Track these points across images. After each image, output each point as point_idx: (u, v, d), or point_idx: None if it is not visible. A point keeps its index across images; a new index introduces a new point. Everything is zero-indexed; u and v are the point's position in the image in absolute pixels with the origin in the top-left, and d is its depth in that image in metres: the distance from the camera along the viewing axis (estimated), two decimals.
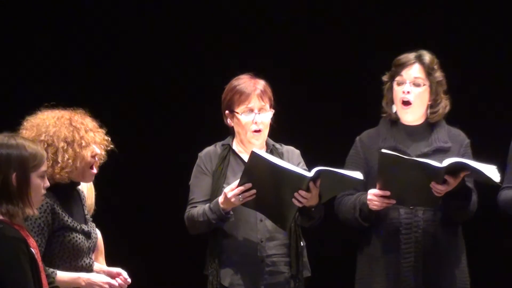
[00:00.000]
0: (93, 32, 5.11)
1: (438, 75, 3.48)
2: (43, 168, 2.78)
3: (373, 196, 3.26)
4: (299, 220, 3.29)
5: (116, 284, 3.07)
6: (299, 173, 3.15)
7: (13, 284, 2.90)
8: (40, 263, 2.86)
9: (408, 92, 3.41)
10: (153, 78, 4.88)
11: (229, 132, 3.43)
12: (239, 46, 4.81)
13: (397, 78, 3.44)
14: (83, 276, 3.05)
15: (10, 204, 2.77)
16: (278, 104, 3.44)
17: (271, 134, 3.44)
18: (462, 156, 3.44)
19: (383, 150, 3.28)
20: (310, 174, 3.12)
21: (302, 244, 3.34)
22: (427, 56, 3.52)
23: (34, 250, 2.85)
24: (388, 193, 3.27)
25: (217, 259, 3.33)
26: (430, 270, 3.43)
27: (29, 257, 2.83)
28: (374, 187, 3.30)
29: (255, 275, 3.33)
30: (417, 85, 3.44)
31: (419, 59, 3.48)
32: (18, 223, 2.80)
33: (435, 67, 3.52)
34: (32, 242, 2.86)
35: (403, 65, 3.50)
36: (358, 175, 3.19)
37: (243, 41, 4.81)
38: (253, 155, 3.14)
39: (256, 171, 3.19)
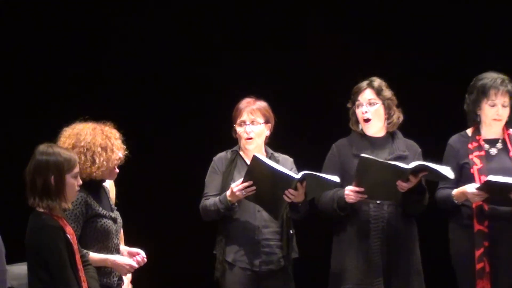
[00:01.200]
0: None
1: (387, 93, 4.31)
2: (76, 170, 3.41)
3: (350, 191, 4.04)
4: (289, 213, 4.08)
5: (136, 265, 3.70)
6: (289, 175, 3.92)
7: (52, 263, 3.49)
8: (75, 246, 3.49)
9: (366, 112, 4.23)
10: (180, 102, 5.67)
11: (237, 142, 4.25)
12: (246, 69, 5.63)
13: (357, 103, 4.28)
14: (110, 257, 3.66)
15: (50, 200, 3.39)
16: (280, 122, 4.27)
17: (271, 145, 4.26)
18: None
19: (363, 155, 4.05)
20: (298, 176, 3.89)
21: (291, 232, 4.14)
22: (375, 81, 4.34)
23: (70, 236, 3.45)
24: (362, 189, 4.04)
25: (224, 240, 4.12)
26: (392, 253, 4.21)
27: (65, 242, 3.45)
28: (349, 184, 4.07)
29: (253, 254, 4.10)
30: (372, 104, 4.25)
31: (370, 84, 4.33)
32: (57, 214, 3.42)
33: (383, 88, 4.33)
34: (69, 229, 3.48)
35: (358, 92, 4.33)
36: (336, 178, 3.98)
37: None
38: (254, 158, 3.92)
39: (256, 171, 3.94)
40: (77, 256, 3.53)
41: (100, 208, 3.73)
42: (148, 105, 5.73)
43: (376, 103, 4.29)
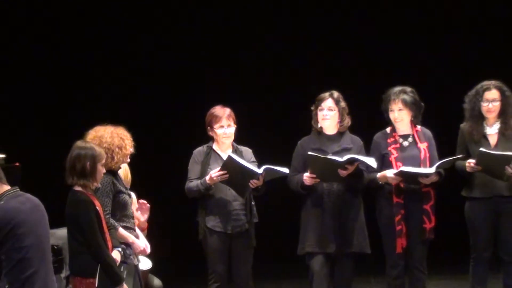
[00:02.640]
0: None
1: (343, 104, 5.63)
2: (103, 161, 4.53)
3: (306, 177, 5.40)
4: (251, 192, 5.42)
5: (147, 251, 4.90)
6: (254, 171, 5.30)
7: (85, 228, 4.52)
8: (102, 216, 4.55)
9: (327, 115, 5.55)
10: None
11: (210, 138, 5.54)
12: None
13: (319, 108, 5.59)
14: (131, 237, 4.85)
15: (85, 180, 4.48)
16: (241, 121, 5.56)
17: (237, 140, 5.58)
18: (359, 152, 5.60)
19: (309, 153, 5.40)
20: (260, 171, 5.27)
21: (253, 203, 5.49)
22: (335, 94, 5.66)
23: (98, 208, 4.51)
24: (314, 175, 5.39)
25: (204, 211, 5.45)
26: (342, 220, 5.56)
27: (95, 212, 4.50)
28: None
29: (226, 221, 5.44)
30: (331, 110, 5.56)
31: (331, 95, 5.65)
32: (89, 192, 4.49)
33: (340, 99, 5.66)
34: (97, 203, 4.54)
35: (322, 100, 5.64)
36: (286, 170, 5.37)
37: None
38: (229, 157, 5.30)
39: (230, 165, 5.26)
40: (103, 223, 4.65)
41: (121, 186, 4.89)
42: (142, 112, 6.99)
43: (334, 110, 5.61)
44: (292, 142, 5.80)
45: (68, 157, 4.66)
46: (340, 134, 5.71)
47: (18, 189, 4.77)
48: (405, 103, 5.73)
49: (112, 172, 4.85)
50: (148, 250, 5.06)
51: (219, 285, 5.58)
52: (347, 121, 5.65)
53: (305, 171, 5.55)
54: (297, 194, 5.59)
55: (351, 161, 5.41)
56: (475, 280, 6.07)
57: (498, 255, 6.06)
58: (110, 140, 4.84)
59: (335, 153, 5.58)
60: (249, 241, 5.62)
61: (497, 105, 5.77)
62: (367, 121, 6.30)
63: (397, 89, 5.81)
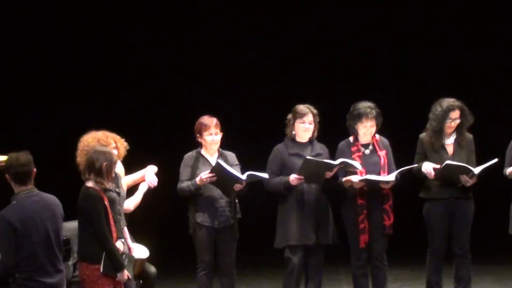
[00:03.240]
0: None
1: (317, 118, 6.27)
2: (116, 164, 5.11)
3: (294, 178, 6.03)
4: (235, 192, 6.04)
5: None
6: (239, 177, 5.93)
7: (95, 220, 5.00)
8: (110, 210, 5.11)
9: (308, 128, 6.18)
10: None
11: (198, 144, 6.14)
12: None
13: (301, 120, 6.19)
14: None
15: (101, 178, 5.02)
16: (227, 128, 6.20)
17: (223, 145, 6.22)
18: (328, 158, 6.21)
19: (308, 157, 6.03)
20: (244, 177, 5.90)
21: (236, 201, 6.12)
22: (314, 109, 6.28)
23: (106, 203, 5.06)
24: (302, 177, 6.02)
25: (194, 208, 6.07)
26: (317, 216, 6.20)
27: (103, 206, 5.03)
28: (288, 173, 6.08)
29: (213, 217, 6.06)
30: (311, 124, 6.19)
31: (311, 110, 6.26)
32: (100, 188, 5.03)
33: (317, 115, 6.29)
34: (106, 199, 5.08)
35: (304, 114, 6.24)
36: (265, 175, 6.03)
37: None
38: (218, 163, 5.93)
39: (218, 170, 5.88)
40: (110, 216, 5.20)
41: (108, 185, 5.37)
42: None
43: (312, 124, 6.27)
44: (264, 148, 6.54)
45: (88, 157, 5.23)
46: (310, 142, 6.36)
47: (35, 189, 5.20)
48: (375, 118, 6.39)
49: None
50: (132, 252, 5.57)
51: (206, 272, 6.22)
52: (317, 131, 6.36)
53: (282, 173, 6.18)
54: (276, 193, 6.23)
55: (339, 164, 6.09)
56: (431, 271, 6.68)
57: (451, 248, 6.65)
58: (108, 142, 5.52)
59: (311, 156, 6.21)
60: (233, 234, 6.26)
61: (458, 122, 6.45)
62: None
63: (366, 105, 6.44)
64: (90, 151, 5.25)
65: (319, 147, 6.36)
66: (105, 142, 5.59)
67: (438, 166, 6.29)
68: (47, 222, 5.21)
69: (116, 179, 5.63)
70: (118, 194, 5.58)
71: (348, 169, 6.27)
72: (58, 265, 5.29)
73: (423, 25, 10.08)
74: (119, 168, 5.72)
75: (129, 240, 5.64)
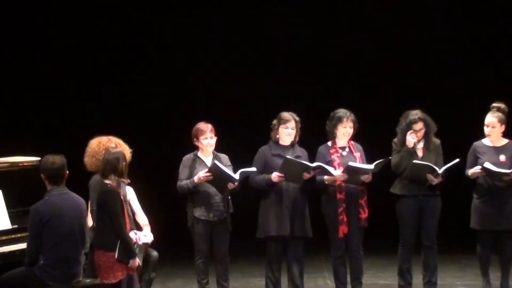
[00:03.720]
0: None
1: (299, 125, 6.83)
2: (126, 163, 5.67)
3: (276, 175, 6.60)
4: (229, 190, 6.62)
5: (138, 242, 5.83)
6: (232, 176, 6.50)
7: (111, 212, 5.52)
8: (124, 203, 5.64)
9: (290, 133, 6.75)
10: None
11: (195, 147, 6.71)
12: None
13: (284, 126, 6.74)
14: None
15: (118, 176, 5.58)
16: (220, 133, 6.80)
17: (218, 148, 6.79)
18: (306, 160, 6.75)
19: (288, 157, 6.60)
20: (237, 177, 6.48)
21: (229, 198, 6.71)
22: (296, 117, 6.83)
23: (122, 197, 5.61)
24: (282, 175, 6.59)
25: (192, 204, 6.65)
26: (294, 211, 6.78)
27: (119, 200, 5.56)
28: (270, 171, 6.63)
29: (209, 211, 6.63)
30: (293, 129, 6.77)
31: (293, 117, 6.82)
32: (116, 184, 5.59)
33: (299, 122, 6.85)
34: (120, 194, 5.62)
35: (288, 121, 6.80)
36: (254, 169, 6.61)
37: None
38: (214, 164, 6.50)
39: (214, 170, 6.46)
40: (125, 210, 5.77)
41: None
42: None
43: (294, 129, 6.84)
44: (254, 150, 7.08)
45: (106, 157, 5.81)
46: (292, 145, 6.94)
47: (66, 189, 5.75)
48: (353, 121, 6.98)
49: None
50: (139, 242, 6.06)
51: (203, 260, 6.81)
52: (298, 137, 6.95)
53: (265, 172, 6.78)
54: (259, 189, 6.82)
55: (315, 167, 6.68)
56: (402, 260, 7.18)
57: (420, 240, 7.14)
58: (96, 149, 6.08)
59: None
60: (226, 227, 6.84)
61: (422, 132, 7.00)
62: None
63: (345, 111, 7.02)
64: (105, 154, 5.81)
65: (299, 150, 6.96)
66: (104, 145, 6.08)
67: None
68: (74, 218, 5.73)
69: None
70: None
71: (322, 174, 6.85)
72: (79, 258, 5.82)
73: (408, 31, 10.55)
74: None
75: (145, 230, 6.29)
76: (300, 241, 6.96)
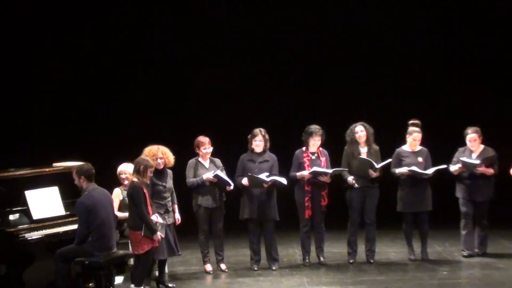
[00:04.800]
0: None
1: (267, 137, 8.40)
2: (152, 168, 7.17)
3: (244, 183, 8.17)
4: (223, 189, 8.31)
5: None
6: (229, 182, 8.15)
7: (136, 203, 6.96)
8: (147, 197, 7.08)
9: (259, 145, 8.32)
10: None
11: (196, 154, 8.35)
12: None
13: (254, 139, 8.32)
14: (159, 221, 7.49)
15: (140, 176, 7.07)
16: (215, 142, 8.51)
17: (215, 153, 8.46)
18: (273, 164, 8.41)
19: (249, 174, 8.13)
20: (231, 183, 8.12)
21: (223, 192, 8.39)
22: (263, 131, 8.40)
23: (145, 191, 7.01)
24: (247, 183, 8.19)
25: (197, 194, 8.28)
26: (262, 200, 8.36)
27: (142, 194, 7.02)
28: (245, 174, 8.22)
29: (210, 200, 8.26)
30: (261, 141, 8.34)
31: (261, 132, 8.39)
32: (141, 182, 7.05)
33: (266, 135, 8.41)
34: (145, 189, 7.03)
35: (256, 135, 8.36)
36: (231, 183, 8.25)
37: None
38: (217, 174, 8.11)
39: (217, 177, 8.09)
40: (148, 201, 7.16)
41: (155, 179, 7.58)
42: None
43: (262, 141, 8.41)
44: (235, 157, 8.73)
45: (135, 162, 7.22)
46: (264, 151, 8.52)
47: (96, 185, 7.12)
48: (321, 135, 8.55)
49: (158, 171, 7.69)
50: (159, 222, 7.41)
51: (204, 236, 8.45)
52: (268, 145, 8.50)
53: (243, 173, 8.33)
54: (238, 187, 8.43)
55: (270, 180, 8.27)
56: (350, 234, 8.81)
57: (363, 220, 8.75)
58: (148, 154, 7.65)
59: (260, 163, 8.41)
60: (221, 211, 8.47)
61: (364, 133, 8.61)
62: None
63: (315, 127, 8.55)
64: (137, 159, 7.26)
65: (268, 156, 8.53)
66: (153, 153, 7.65)
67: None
68: (107, 205, 7.11)
69: (164, 176, 7.75)
70: (164, 187, 7.73)
71: (315, 174, 8.43)
72: (112, 234, 7.20)
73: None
74: (169, 174, 7.88)
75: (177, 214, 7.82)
76: (270, 222, 8.48)
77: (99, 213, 6.97)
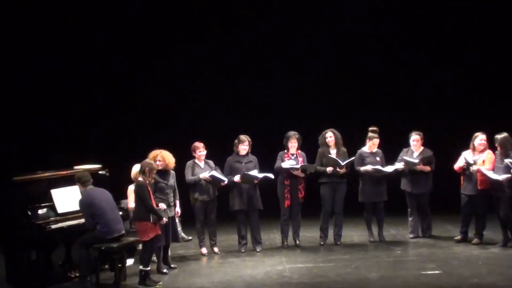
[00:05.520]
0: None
1: (251, 142, 9.43)
2: (155, 170, 8.12)
3: (236, 180, 9.23)
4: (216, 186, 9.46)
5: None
6: (223, 179, 9.23)
7: (142, 197, 7.75)
8: (151, 193, 7.98)
9: (245, 148, 9.34)
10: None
11: (193, 157, 9.41)
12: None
13: (241, 144, 9.32)
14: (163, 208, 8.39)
15: (145, 177, 7.96)
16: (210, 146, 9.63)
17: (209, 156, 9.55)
18: (256, 165, 9.44)
19: (245, 172, 9.19)
20: (226, 179, 9.24)
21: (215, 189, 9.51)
22: (249, 138, 9.34)
23: (149, 189, 7.89)
24: (240, 180, 9.25)
25: (193, 191, 9.39)
26: (249, 194, 9.46)
27: (147, 190, 7.86)
28: (233, 174, 9.28)
29: (204, 194, 9.29)
30: (247, 145, 9.38)
31: (247, 138, 9.37)
32: (146, 181, 7.97)
33: (250, 141, 9.45)
34: (149, 186, 7.93)
35: (243, 142, 9.35)
36: (225, 178, 9.35)
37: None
38: (212, 175, 9.16)
39: (212, 176, 9.16)
40: (151, 196, 7.99)
41: (159, 178, 8.47)
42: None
43: (247, 146, 9.38)
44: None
45: (141, 165, 8.00)
46: (247, 154, 9.50)
47: (92, 186, 7.85)
48: (297, 139, 9.58)
49: (162, 171, 8.62)
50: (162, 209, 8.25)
51: (200, 225, 9.42)
52: (250, 148, 9.50)
53: (231, 173, 9.27)
54: (231, 183, 9.41)
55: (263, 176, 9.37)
56: (323, 222, 9.75)
57: (333, 210, 9.70)
58: (165, 158, 8.62)
59: (246, 163, 9.36)
60: (214, 203, 9.41)
61: (332, 138, 9.66)
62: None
63: (292, 132, 9.53)
64: (142, 162, 8.08)
65: (251, 157, 9.53)
66: (154, 156, 8.46)
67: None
68: (105, 198, 7.86)
69: (167, 176, 8.54)
70: (166, 184, 8.53)
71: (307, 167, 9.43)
72: (116, 218, 7.90)
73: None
74: (172, 174, 8.70)
75: (177, 208, 8.67)
76: (255, 211, 9.46)
77: (98, 205, 7.79)
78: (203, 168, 9.40)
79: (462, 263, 8.59)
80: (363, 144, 9.89)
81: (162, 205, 8.33)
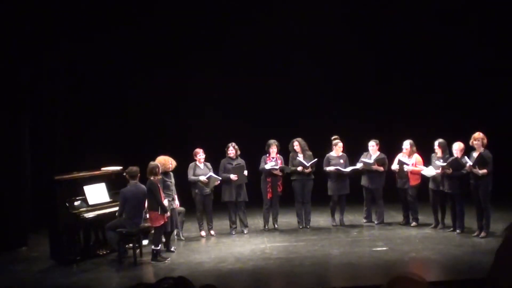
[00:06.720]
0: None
1: (237, 147, 11.12)
2: (161, 171, 10.05)
3: (234, 178, 11.01)
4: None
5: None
6: (219, 178, 11.05)
7: (154, 193, 9.32)
8: (160, 189, 9.67)
9: (233, 152, 11.17)
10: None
11: (194, 160, 11.27)
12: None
13: (230, 149, 11.11)
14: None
15: (155, 176, 9.57)
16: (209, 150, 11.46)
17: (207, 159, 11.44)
18: (244, 165, 11.12)
19: (243, 172, 11.07)
20: (219, 178, 11.12)
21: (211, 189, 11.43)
22: (236, 145, 11.07)
23: (159, 186, 9.64)
24: (236, 178, 11.17)
25: (196, 188, 11.21)
26: (237, 187, 11.29)
27: (157, 187, 9.52)
28: (227, 172, 11.12)
29: (203, 189, 11.12)
30: (232, 150, 11.16)
31: (232, 145, 11.07)
32: (155, 180, 9.64)
33: (237, 147, 11.06)
34: (159, 185, 9.61)
35: (229, 147, 11.07)
36: (217, 177, 11.27)
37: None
38: (210, 175, 10.94)
39: (210, 178, 10.96)
40: (161, 192, 9.62)
41: (166, 178, 10.22)
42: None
43: (234, 150, 11.11)
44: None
45: (150, 167, 9.41)
46: (236, 157, 11.15)
47: (138, 182, 9.23)
48: (276, 146, 11.22)
49: (164, 173, 10.28)
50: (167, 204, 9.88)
51: (200, 214, 11.12)
52: (238, 153, 11.19)
53: (225, 172, 10.87)
54: (226, 179, 11.07)
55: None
56: (297, 210, 11.41)
57: (303, 202, 11.40)
58: (168, 161, 10.21)
59: (235, 165, 10.98)
60: (211, 197, 11.09)
61: (298, 146, 11.31)
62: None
63: (272, 140, 11.15)
64: (149, 164, 9.56)
65: (240, 160, 11.14)
66: (159, 160, 9.92)
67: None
68: (139, 197, 9.19)
69: (171, 176, 10.08)
70: (171, 183, 10.09)
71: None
72: (139, 215, 9.26)
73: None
74: (172, 175, 10.31)
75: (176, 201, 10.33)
76: (242, 202, 11.14)
77: (131, 202, 9.14)
78: (202, 169, 10.99)
79: (404, 241, 9.91)
80: (330, 149, 11.56)
81: (167, 202, 9.82)
